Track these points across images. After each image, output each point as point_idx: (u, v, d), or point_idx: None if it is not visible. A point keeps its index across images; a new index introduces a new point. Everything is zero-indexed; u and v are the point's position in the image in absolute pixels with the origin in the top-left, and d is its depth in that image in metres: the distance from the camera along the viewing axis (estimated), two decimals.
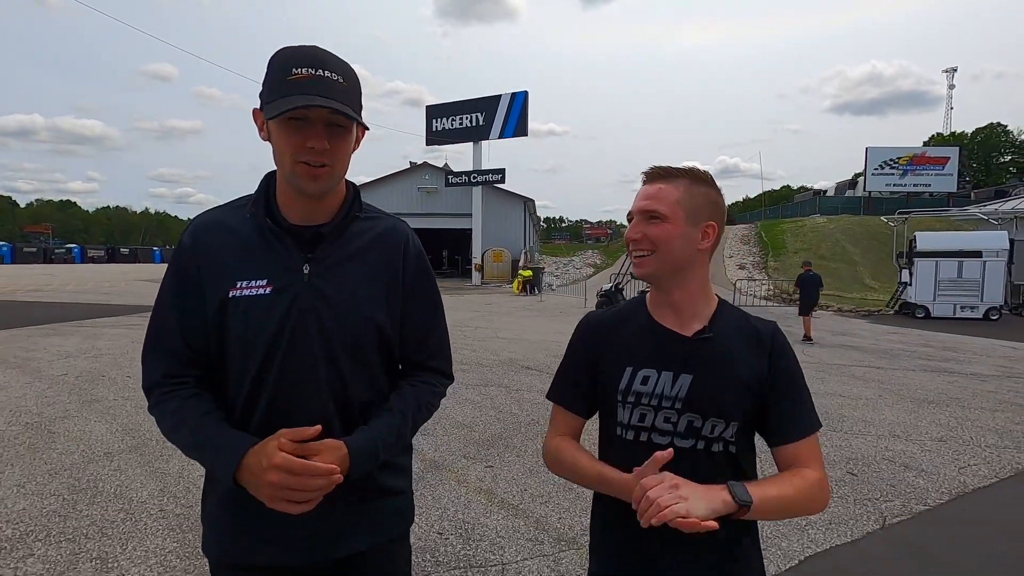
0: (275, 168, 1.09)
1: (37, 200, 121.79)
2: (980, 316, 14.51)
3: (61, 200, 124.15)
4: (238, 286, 1.04)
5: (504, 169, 26.31)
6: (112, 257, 66.96)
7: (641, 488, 0.92)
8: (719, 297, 1.13)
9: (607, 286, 15.27)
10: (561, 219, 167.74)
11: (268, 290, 1.03)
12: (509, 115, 26.83)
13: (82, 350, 8.15)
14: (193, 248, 1.07)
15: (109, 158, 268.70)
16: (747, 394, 1.04)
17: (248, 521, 1.05)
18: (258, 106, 1.05)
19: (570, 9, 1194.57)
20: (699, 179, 1.08)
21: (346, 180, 1.13)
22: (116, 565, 2.59)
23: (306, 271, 1.05)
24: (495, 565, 2.67)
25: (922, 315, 14.81)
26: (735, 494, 0.92)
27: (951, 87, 71.45)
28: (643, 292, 1.13)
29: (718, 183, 1.11)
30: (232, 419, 1.05)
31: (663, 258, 1.06)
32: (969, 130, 65.83)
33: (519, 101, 26.66)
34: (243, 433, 1.01)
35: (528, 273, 23.03)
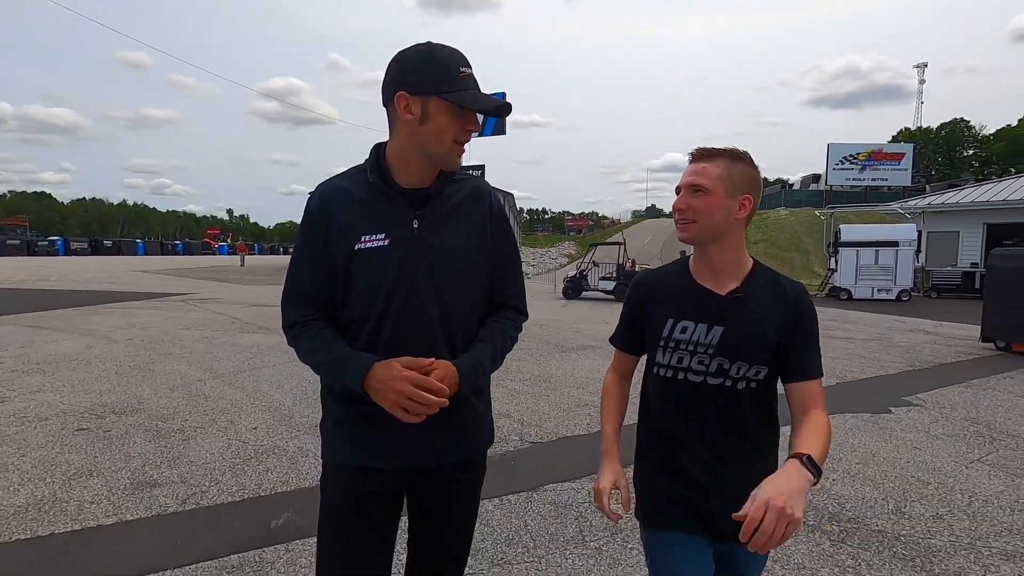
0: (383, 140, 1.29)
1: (10, 192, 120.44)
2: (893, 297, 16.80)
3: (35, 192, 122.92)
4: (362, 240, 1.22)
5: (484, 165, 28.15)
6: (96, 249, 67.15)
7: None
8: (754, 260, 1.30)
9: (572, 273, 17.38)
10: (544, 211, 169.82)
11: (386, 242, 1.22)
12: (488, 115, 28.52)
13: (129, 324, 9.86)
14: (321, 210, 1.26)
15: (81, 148, 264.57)
16: (769, 344, 1.23)
17: (368, 432, 1.25)
18: (402, 90, 1.19)
19: (552, 0, 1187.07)
20: (738, 158, 1.23)
21: None
22: (241, 422, 4.47)
23: (415, 226, 1.24)
24: None
25: (845, 297, 17.07)
26: (814, 473, 1.03)
27: (922, 82, 74.13)
28: (684, 255, 1.44)
29: None
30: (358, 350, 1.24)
31: (704, 225, 1.23)
32: (946, 121, 68.27)
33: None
34: (368, 353, 1.22)
35: None
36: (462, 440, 1.32)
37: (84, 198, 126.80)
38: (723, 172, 1.22)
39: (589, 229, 77.62)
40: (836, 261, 17.65)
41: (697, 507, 1.26)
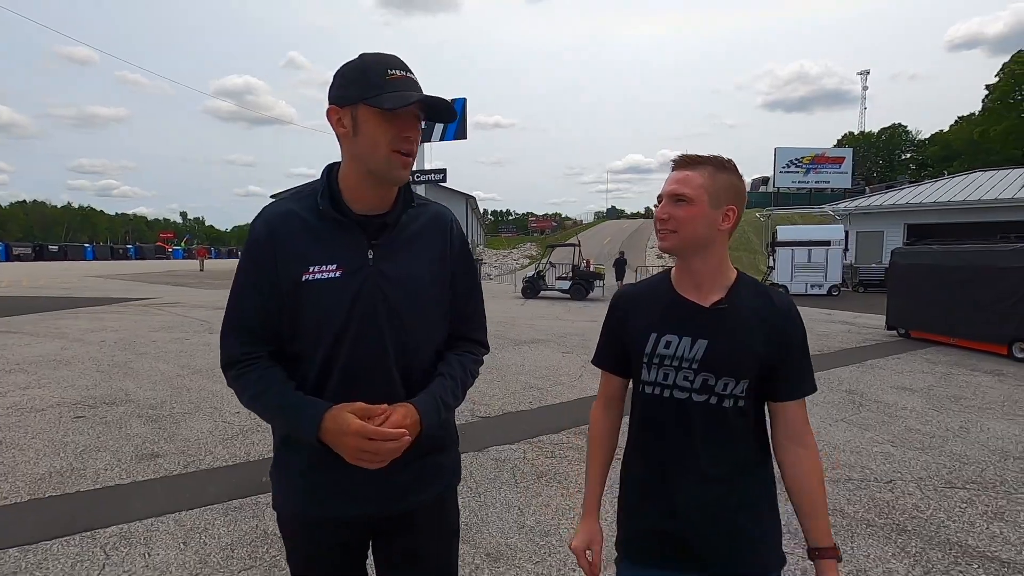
0: (336, 161, 1.24)
1: None
2: (825, 292, 18.28)
3: None
4: (311, 271, 1.16)
5: (445, 169, 28.74)
6: (40, 255, 64.39)
7: None
8: (738, 271, 1.26)
9: (530, 274, 18.28)
10: (508, 212, 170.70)
11: (338, 273, 1.16)
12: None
13: (99, 327, 10.13)
14: (269, 237, 1.18)
15: (20, 147, 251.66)
16: (756, 358, 1.18)
17: (327, 480, 1.19)
18: (332, 105, 1.16)
19: (514, 1, 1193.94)
20: (722, 166, 1.20)
21: None
22: (224, 408, 5.05)
23: (370, 256, 1.19)
24: None
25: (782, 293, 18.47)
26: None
27: (865, 88, 78.23)
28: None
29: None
30: (306, 389, 1.17)
31: (685, 236, 1.19)
32: (887, 126, 72.29)
33: (458, 107, 28.90)
34: (318, 399, 1.15)
35: None
36: (428, 478, 1.27)
37: (24, 200, 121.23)
38: (706, 181, 1.18)
39: (552, 230, 78.90)
40: (774, 260, 19.07)
41: (678, 539, 1.22)
